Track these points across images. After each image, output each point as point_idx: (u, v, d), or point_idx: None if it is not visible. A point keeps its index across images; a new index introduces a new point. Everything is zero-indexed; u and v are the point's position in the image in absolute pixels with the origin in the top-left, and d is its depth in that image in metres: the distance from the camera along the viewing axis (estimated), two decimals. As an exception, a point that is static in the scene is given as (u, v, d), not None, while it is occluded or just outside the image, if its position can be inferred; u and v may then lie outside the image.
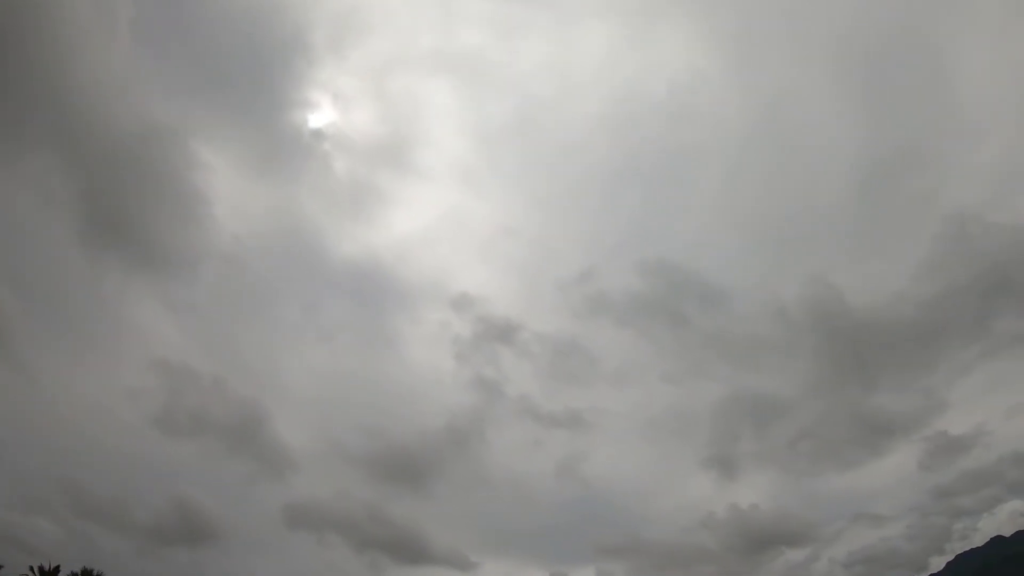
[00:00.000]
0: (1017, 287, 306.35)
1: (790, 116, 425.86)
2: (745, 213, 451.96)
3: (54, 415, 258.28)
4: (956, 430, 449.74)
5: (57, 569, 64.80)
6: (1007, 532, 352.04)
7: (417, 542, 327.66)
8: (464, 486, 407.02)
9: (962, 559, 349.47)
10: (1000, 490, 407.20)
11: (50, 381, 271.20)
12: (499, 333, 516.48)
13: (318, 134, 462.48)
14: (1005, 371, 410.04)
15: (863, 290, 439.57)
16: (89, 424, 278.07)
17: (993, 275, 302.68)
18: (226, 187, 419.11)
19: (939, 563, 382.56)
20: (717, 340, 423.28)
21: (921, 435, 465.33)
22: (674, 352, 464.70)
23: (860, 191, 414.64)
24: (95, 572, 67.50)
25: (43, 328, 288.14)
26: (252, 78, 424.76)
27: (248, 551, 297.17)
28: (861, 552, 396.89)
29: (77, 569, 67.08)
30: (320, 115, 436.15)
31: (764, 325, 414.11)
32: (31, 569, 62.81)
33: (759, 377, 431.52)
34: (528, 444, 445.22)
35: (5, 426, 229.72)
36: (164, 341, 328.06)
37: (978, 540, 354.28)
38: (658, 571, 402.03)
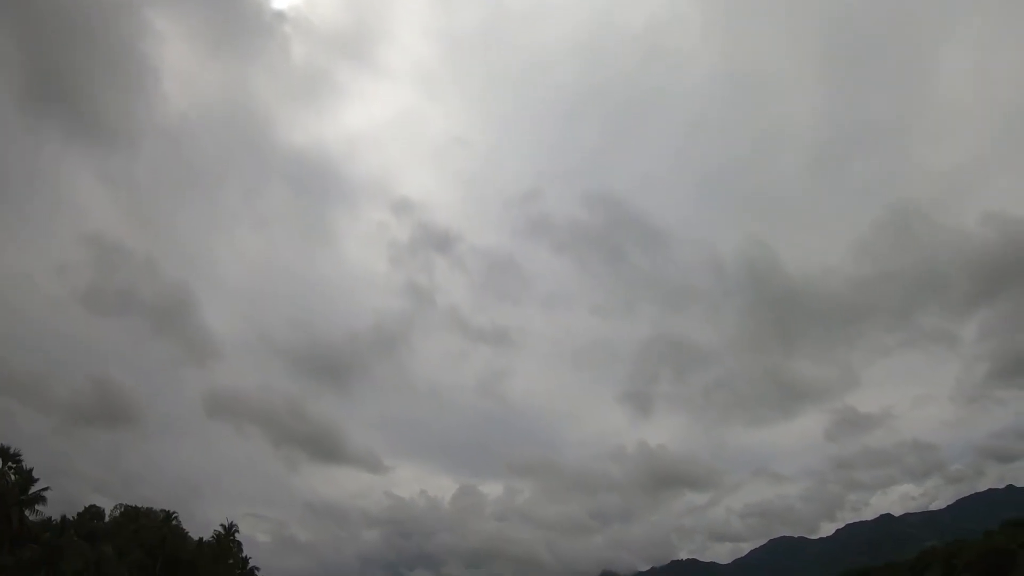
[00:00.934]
0: (947, 288, 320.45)
1: (763, 78, 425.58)
2: (699, 163, 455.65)
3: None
4: (864, 408, 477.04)
5: (-29, 447, 63.14)
6: (896, 512, 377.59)
7: (334, 441, 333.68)
8: (385, 390, 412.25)
9: (851, 529, 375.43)
10: (896, 472, 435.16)
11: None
12: (437, 242, 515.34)
13: (280, 16, 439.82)
14: (920, 363, 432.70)
15: (799, 259, 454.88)
16: (14, 296, 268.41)
17: (926, 272, 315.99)
18: (177, 60, 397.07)
19: (829, 528, 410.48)
20: (650, 281, 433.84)
21: (831, 406, 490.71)
22: (607, 286, 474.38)
23: (815, 163, 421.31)
24: (11, 450, 66.06)
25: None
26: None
27: (166, 436, 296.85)
28: (757, 505, 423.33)
29: (-7, 446, 65.69)
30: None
31: (698, 274, 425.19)
32: (-56, 446, 61.14)
33: (685, 323, 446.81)
34: (452, 355, 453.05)
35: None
36: (98, 216, 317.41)
37: (868, 514, 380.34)
38: (564, 494, 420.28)
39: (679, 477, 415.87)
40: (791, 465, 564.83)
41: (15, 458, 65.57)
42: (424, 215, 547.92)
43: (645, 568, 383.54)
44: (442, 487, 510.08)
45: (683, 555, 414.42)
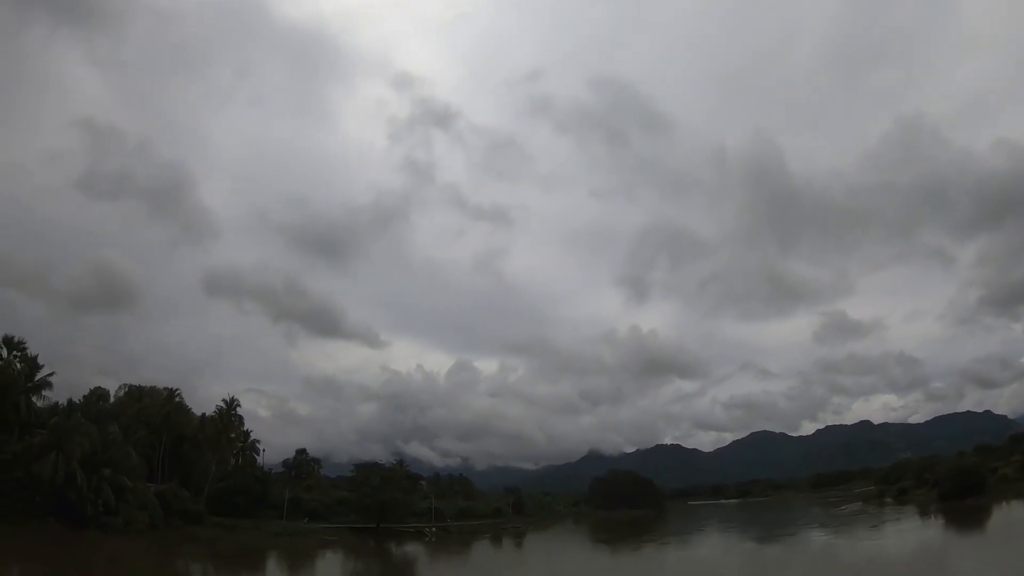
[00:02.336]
0: (949, 209, 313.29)
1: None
2: (710, 51, 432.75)
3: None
4: (855, 315, 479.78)
5: (-23, 340, 64.24)
6: (876, 420, 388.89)
7: (331, 316, 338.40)
8: (382, 266, 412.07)
9: (830, 431, 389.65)
10: (879, 381, 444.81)
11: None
12: (436, 118, 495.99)
13: None
14: (914, 278, 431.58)
15: (804, 159, 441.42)
16: (6, 186, 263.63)
17: (930, 189, 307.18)
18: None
19: (809, 428, 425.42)
20: (652, 168, 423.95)
21: (822, 309, 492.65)
22: (607, 170, 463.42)
23: (831, 65, 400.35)
24: (15, 339, 67.55)
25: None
26: None
27: (166, 316, 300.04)
28: (743, 398, 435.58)
29: (-3, 337, 66.99)
30: None
31: (701, 165, 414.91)
32: (-48, 342, 62.12)
33: (684, 213, 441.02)
34: (450, 233, 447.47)
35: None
36: (88, 99, 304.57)
37: (849, 419, 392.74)
38: (556, 374, 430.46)
39: (668, 364, 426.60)
40: (778, 362, 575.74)
41: (19, 347, 67.14)
42: (424, 91, 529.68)
43: (631, 450, 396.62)
44: (438, 362, 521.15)
45: (668, 440, 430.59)
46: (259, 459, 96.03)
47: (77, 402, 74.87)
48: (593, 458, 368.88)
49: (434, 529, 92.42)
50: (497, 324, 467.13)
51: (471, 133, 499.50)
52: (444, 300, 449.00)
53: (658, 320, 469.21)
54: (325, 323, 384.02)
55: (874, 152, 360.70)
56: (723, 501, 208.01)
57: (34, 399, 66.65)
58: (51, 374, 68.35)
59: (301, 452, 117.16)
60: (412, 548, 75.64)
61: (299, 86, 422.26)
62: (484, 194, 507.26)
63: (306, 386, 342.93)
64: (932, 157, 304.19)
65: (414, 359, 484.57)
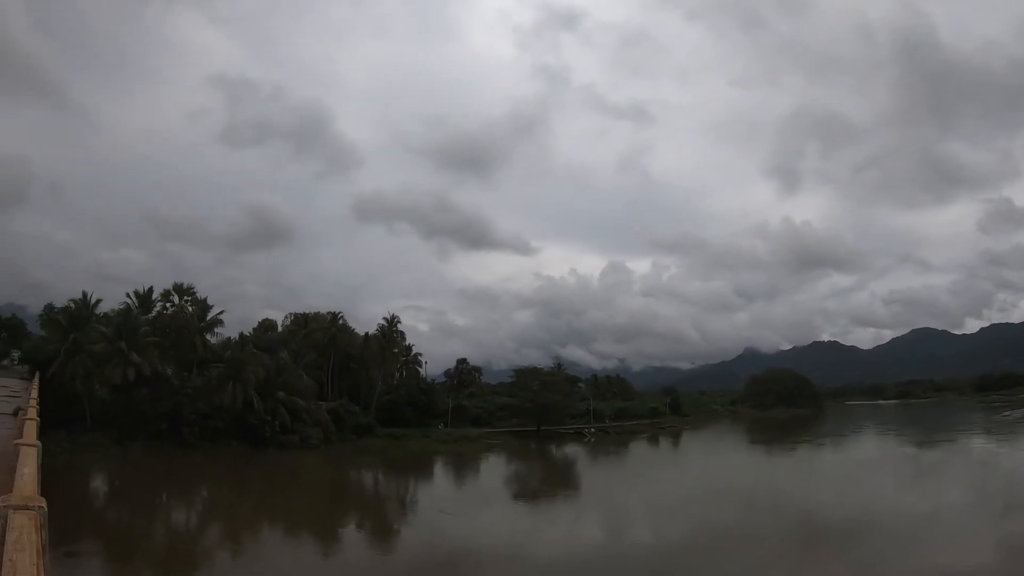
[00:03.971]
0: None
1: None
2: None
3: (120, 151, 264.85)
4: (1022, 202, 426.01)
5: (151, 291, 70.93)
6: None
7: (481, 228, 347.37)
8: (527, 174, 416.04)
9: (996, 329, 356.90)
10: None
11: (109, 119, 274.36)
12: (562, 20, 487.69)
13: None
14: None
15: (959, 30, 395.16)
16: (155, 152, 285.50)
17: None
18: None
19: (974, 326, 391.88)
20: (793, 48, 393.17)
21: (986, 196, 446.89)
22: (745, 55, 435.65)
23: None
24: (185, 285, 73.47)
25: (91, 68, 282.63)
26: None
27: (322, 246, 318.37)
28: (903, 293, 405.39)
29: (168, 287, 73.43)
30: None
31: (846, 42, 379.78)
32: (128, 296, 68.30)
33: (832, 95, 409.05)
34: (591, 135, 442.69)
35: (77, 171, 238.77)
36: (217, 57, 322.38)
37: (1016, 317, 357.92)
38: (708, 270, 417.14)
39: (824, 257, 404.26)
40: (940, 255, 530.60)
41: (190, 292, 72.98)
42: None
43: (787, 347, 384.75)
44: (590, 265, 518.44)
45: (825, 337, 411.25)
46: (422, 371, 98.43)
47: (248, 335, 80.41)
48: (749, 356, 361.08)
49: (593, 430, 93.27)
50: (646, 223, 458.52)
51: (600, 31, 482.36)
52: (592, 202, 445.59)
53: (811, 211, 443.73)
54: (476, 235, 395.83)
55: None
56: (881, 402, 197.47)
57: (208, 337, 72.46)
58: (221, 313, 74.08)
59: (462, 361, 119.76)
60: (572, 449, 77.07)
61: (419, 7, 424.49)
62: (621, 92, 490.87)
63: (462, 298, 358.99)
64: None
65: (566, 264, 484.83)
